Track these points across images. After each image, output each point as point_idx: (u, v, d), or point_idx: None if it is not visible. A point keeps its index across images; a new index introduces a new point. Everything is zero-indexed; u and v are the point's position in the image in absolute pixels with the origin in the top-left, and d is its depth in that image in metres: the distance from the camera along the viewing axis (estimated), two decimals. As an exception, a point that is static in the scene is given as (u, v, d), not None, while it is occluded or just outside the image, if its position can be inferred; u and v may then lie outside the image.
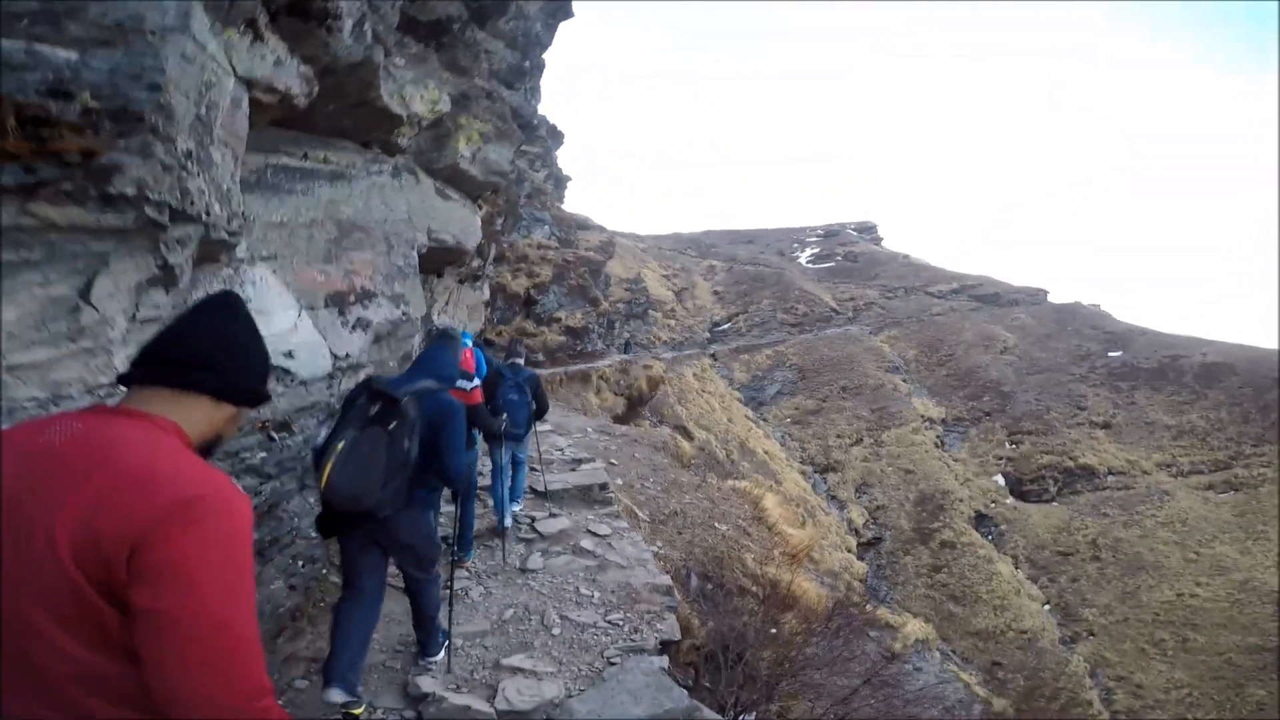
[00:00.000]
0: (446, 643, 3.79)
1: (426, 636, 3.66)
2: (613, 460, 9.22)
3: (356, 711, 2.94)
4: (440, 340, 3.72)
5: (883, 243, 62.05)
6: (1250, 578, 25.09)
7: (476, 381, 4.98)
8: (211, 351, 1.25)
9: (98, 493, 1.02)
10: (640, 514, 7.25)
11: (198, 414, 1.23)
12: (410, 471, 2.91)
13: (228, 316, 1.30)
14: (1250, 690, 19.65)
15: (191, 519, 1.02)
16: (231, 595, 1.04)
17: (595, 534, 5.87)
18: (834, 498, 32.29)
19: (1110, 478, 34.08)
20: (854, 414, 37.72)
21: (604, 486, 6.82)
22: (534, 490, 6.81)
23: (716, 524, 7.90)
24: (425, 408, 3.03)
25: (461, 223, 8.16)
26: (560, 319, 25.28)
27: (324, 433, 3.00)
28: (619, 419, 23.37)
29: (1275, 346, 37.90)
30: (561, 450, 8.86)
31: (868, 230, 63.35)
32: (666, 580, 5.01)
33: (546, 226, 30.57)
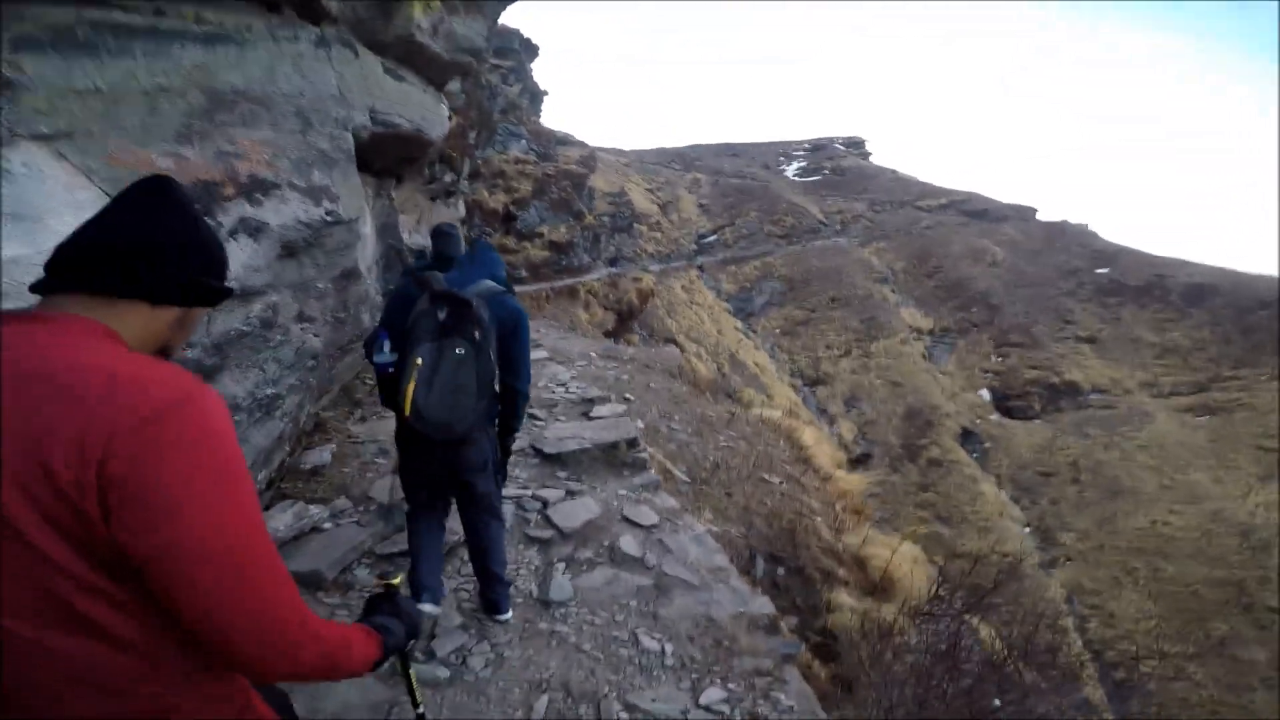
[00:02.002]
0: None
1: (496, 594, 3.06)
2: (628, 395, 7.30)
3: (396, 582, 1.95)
4: (479, 244, 2.93)
5: (870, 158, 58.80)
6: (1221, 508, 24.74)
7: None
8: (139, 243, 0.98)
9: (40, 411, 0.81)
10: (676, 471, 5.42)
11: (133, 321, 0.98)
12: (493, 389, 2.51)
13: (157, 201, 1.02)
14: (1213, 625, 19.44)
15: (173, 429, 0.84)
16: (240, 509, 0.89)
17: (637, 524, 4.00)
18: (824, 411, 31.25)
19: (1093, 395, 33.49)
20: (843, 324, 36.26)
21: (633, 443, 4.92)
22: (537, 451, 4.88)
23: (765, 475, 6.13)
24: (494, 312, 2.58)
25: (421, 107, 5.87)
26: (543, 234, 23.24)
27: (386, 345, 2.52)
28: (610, 334, 21.48)
29: (1261, 272, 36.85)
30: (565, 386, 6.90)
31: (856, 145, 59.74)
32: (766, 605, 3.22)
33: (523, 141, 28.45)
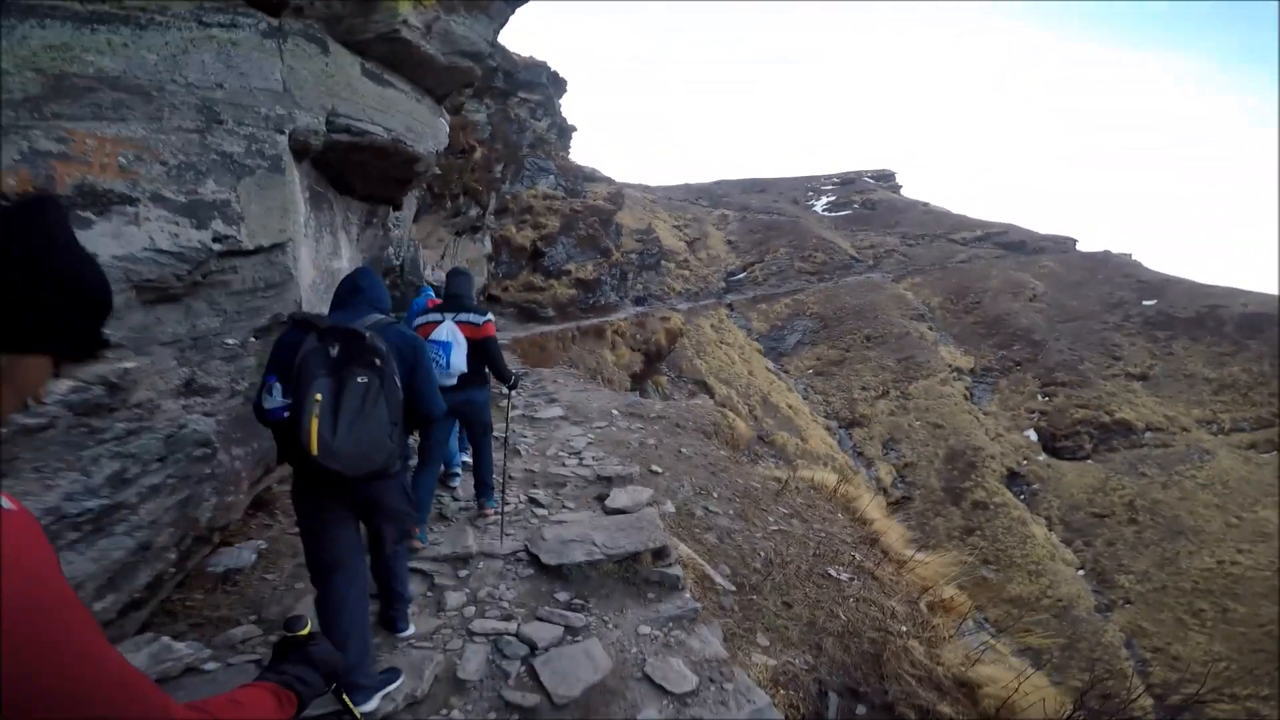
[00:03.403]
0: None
1: (396, 611, 2.96)
2: (654, 467, 5.97)
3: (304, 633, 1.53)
4: (361, 273, 2.60)
5: (901, 190, 57.38)
6: (1297, 545, 22.16)
7: (489, 316, 4.23)
8: None
9: None
10: (716, 577, 4.05)
11: None
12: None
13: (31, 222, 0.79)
14: None
15: None
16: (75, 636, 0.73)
17: (665, 690, 2.63)
18: (860, 454, 29.30)
19: (1148, 434, 30.90)
20: (879, 364, 34.40)
21: (661, 553, 3.59)
22: (532, 558, 3.60)
23: (830, 569, 4.72)
24: (391, 342, 2.40)
25: (408, 117, 4.78)
26: (570, 271, 22.32)
27: (276, 390, 2.22)
28: (637, 376, 20.20)
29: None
30: (579, 456, 5.63)
31: (886, 178, 58.37)
32: None
33: (552, 177, 27.77)
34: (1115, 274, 40.63)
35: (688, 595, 3.34)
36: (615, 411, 8.39)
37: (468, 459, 5.04)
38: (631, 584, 3.41)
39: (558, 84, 33.72)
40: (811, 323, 36.75)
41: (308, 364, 2.19)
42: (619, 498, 4.50)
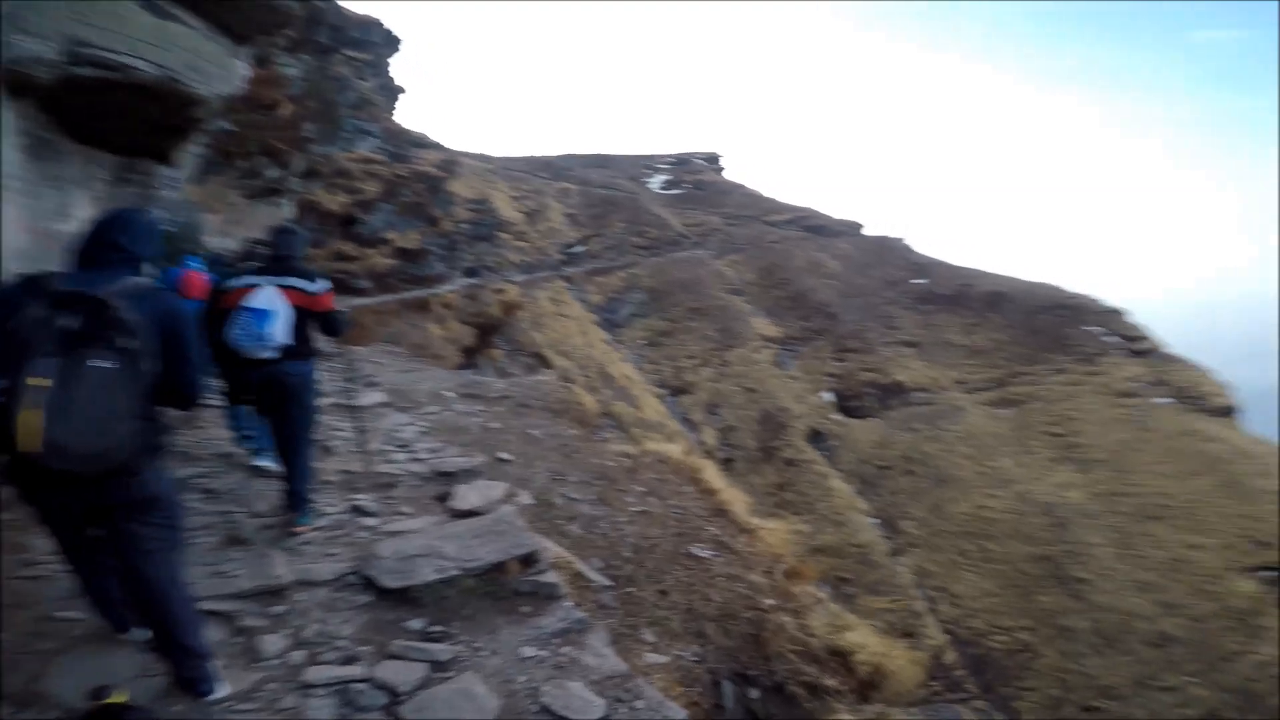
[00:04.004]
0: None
1: (192, 670, 2.23)
2: (503, 454, 5.48)
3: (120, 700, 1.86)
4: (117, 220, 2.12)
5: (724, 173, 60.74)
6: (1027, 489, 27.40)
7: (327, 284, 3.57)
8: None
9: None
10: (589, 572, 3.77)
11: None
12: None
13: None
14: (1039, 598, 21.30)
15: None
16: None
17: (559, 721, 2.29)
18: (688, 420, 30.86)
19: (918, 394, 36.16)
20: (702, 334, 36.37)
21: (530, 558, 3.20)
22: (368, 583, 3.01)
23: (694, 549, 4.67)
24: (149, 313, 1.96)
25: (193, 55, 3.74)
26: (391, 240, 20.55)
27: None
28: (469, 350, 19.13)
29: (1044, 280, 42.20)
30: (409, 448, 4.95)
31: (712, 160, 61.54)
32: None
33: (374, 140, 25.57)
34: (893, 256, 46.73)
35: (569, 604, 3.00)
36: (450, 393, 7.65)
37: (269, 464, 4.10)
38: (500, 599, 2.98)
39: (391, 43, 30.91)
40: (644, 295, 37.76)
41: (29, 340, 1.78)
42: (467, 496, 3.97)
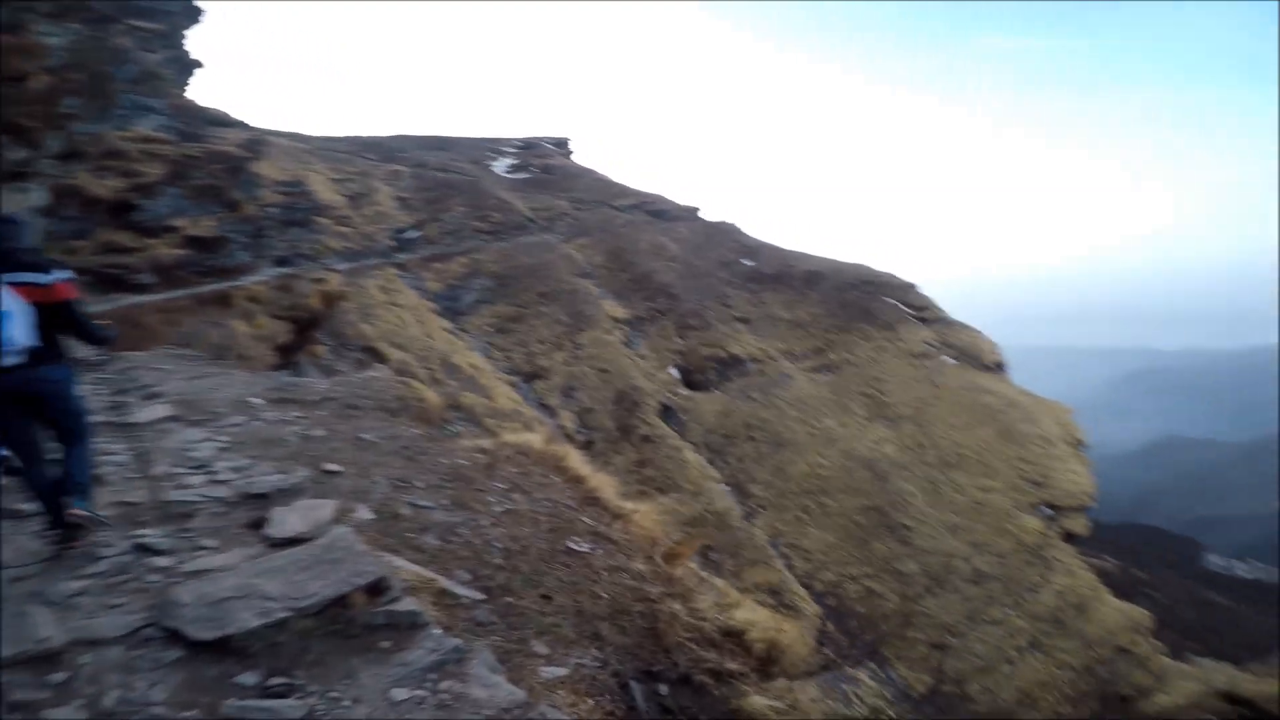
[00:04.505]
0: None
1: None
2: (330, 466, 4.59)
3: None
4: None
5: (574, 157, 59.85)
6: (850, 447, 30.45)
7: (66, 273, 3.19)
8: None
9: None
10: (456, 588, 3.18)
11: None
12: None
13: None
14: (875, 545, 23.78)
15: None
16: None
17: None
18: (544, 405, 30.14)
19: (751, 365, 38.59)
20: (553, 319, 35.67)
21: (378, 586, 2.56)
22: (173, 635, 2.22)
23: (571, 543, 4.23)
24: None
25: None
26: (179, 228, 17.59)
27: None
28: (285, 349, 16.83)
29: (854, 260, 46.93)
30: (208, 468, 3.96)
31: (561, 145, 60.15)
32: None
33: (159, 118, 21.96)
34: (726, 239, 49.25)
35: (438, 631, 2.41)
36: (258, 400, 6.37)
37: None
38: (350, 637, 2.31)
39: (191, 14, 26.05)
40: (489, 281, 36.10)
41: None
42: (287, 521, 3.15)
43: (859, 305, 41.21)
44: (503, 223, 40.82)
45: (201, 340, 13.13)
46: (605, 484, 6.57)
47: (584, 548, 4.26)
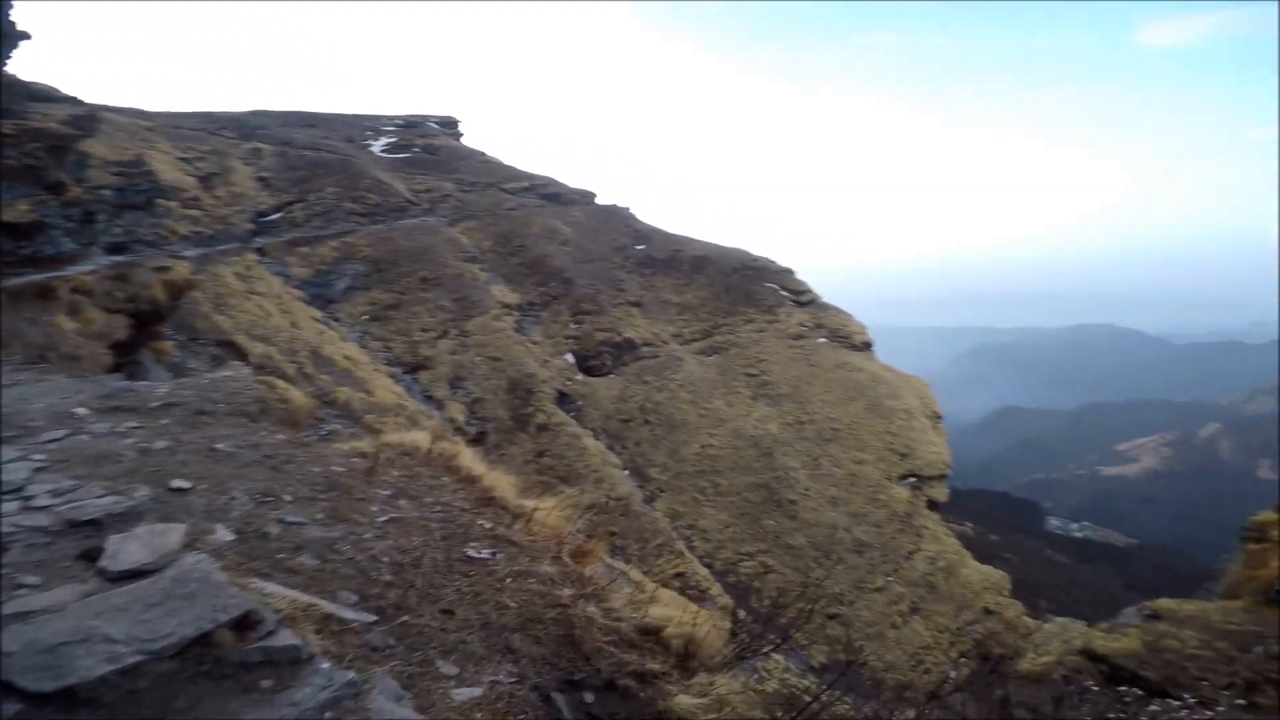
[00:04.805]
0: None
1: None
2: (177, 483, 3.93)
3: None
4: None
5: (462, 138, 56.72)
6: (738, 426, 31.66)
7: None
8: None
9: None
10: (345, 613, 2.81)
11: None
12: None
13: None
14: (766, 522, 24.90)
15: None
16: None
17: None
18: (430, 397, 28.70)
19: (645, 349, 39.06)
20: (436, 305, 33.97)
21: (247, 619, 2.18)
22: (11, 689, 1.71)
23: (469, 550, 3.93)
24: None
25: None
26: None
27: None
28: (124, 347, 14.68)
29: (738, 246, 48.49)
30: (23, 492, 3.26)
31: (449, 125, 56.60)
32: None
33: None
34: (619, 224, 49.23)
35: (327, 664, 2.10)
36: (83, 409, 5.37)
37: None
38: (222, 679, 1.93)
39: None
40: (363, 266, 33.65)
41: None
42: (127, 550, 2.61)
43: (742, 289, 42.79)
44: (380, 204, 38.16)
45: (16, 339, 11.06)
46: (502, 482, 6.22)
47: (484, 554, 3.96)
